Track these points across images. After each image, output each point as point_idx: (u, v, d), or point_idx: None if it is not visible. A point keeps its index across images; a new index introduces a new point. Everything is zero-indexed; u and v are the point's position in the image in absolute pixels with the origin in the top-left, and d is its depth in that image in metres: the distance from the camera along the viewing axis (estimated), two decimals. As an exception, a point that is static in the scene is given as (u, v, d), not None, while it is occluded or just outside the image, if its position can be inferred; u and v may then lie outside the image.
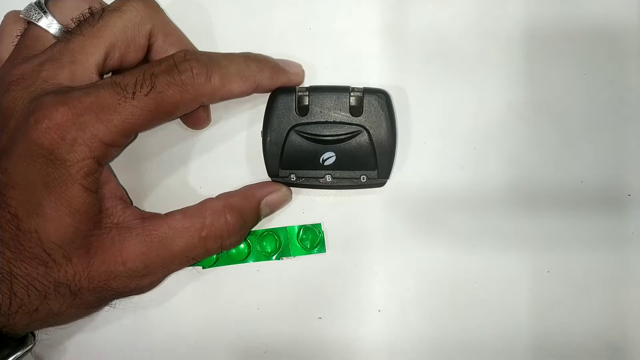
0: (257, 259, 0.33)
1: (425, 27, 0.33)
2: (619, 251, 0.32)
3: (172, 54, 0.28)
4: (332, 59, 0.33)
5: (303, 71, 0.32)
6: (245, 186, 0.31)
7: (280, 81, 0.31)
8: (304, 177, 0.31)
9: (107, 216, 0.27)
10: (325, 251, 0.33)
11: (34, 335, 0.28)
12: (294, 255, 0.33)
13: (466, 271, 0.33)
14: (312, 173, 0.31)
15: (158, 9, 0.30)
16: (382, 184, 0.32)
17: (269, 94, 0.31)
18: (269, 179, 0.32)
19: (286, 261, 0.33)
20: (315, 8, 0.33)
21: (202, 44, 0.32)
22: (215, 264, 0.32)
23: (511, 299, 0.32)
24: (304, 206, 0.33)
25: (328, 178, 0.31)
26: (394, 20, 0.33)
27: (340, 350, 0.33)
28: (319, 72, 0.33)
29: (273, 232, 0.33)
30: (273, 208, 0.32)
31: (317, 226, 0.33)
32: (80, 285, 0.27)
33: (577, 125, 0.33)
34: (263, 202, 0.31)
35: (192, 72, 0.27)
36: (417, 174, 0.33)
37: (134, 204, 0.31)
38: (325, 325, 0.33)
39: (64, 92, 0.26)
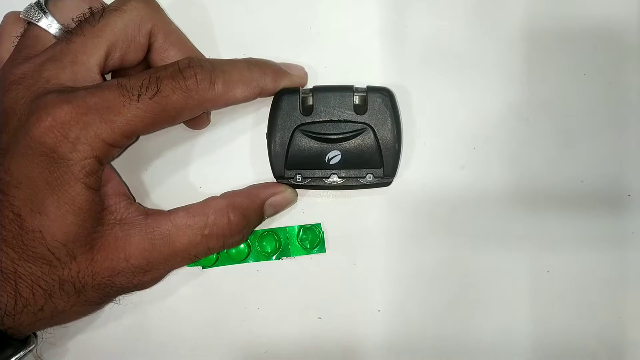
0: (257, 259, 0.33)
1: (425, 27, 0.33)
2: (619, 251, 0.32)
3: (177, 61, 0.28)
4: (332, 58, 0.33)
5: (306, 73, 0.32)
6: (249, 186, 0.31)
7: (284, 84, 0.31)
8: (309, 178, 0.31)
9: (110, 213, 0.28)
10: (325, 251, 0.33)
11: (35, 335, 0.28)
12: (294, 255, 0.33)
13: (466, 271, 0.33)
14: (318, 173, 0.31)
15: (158, 9, 0.30)
16: (388, 183, 0.31)
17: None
18: (274, 179, 0.31)
19: (286, 261, 0.33)
20: (315, 8, 0.33)
21: (202, 44, 0.32)
22: (215, 264, 0.32)
23: (511, 299, 0.32)
24: (303, 206, 0.33)
25: (334, 177, 0.31)
26: (394, 20, 0.33)
27: (340, 350, 0.33)
28: (319, 72, 0.33)
29: (273, 232, 0.33)
30: (277, 209, 0.32)
31: (317, 226, 0.33)
32: (85, 283, 0.27)
33: (577, 125, 0.33)
34: (267, 202, 0.31)
35: (196, 79, 0.27)
36: (417, 174, 0.33)
37: (136, 201, 0.31)
38: (325, 325, 0.33)
39: (68, 92, 0.26)
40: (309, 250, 0.33)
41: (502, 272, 0.33)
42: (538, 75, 0.33)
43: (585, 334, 0.32)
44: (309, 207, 0.33)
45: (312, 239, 0.32)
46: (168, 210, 0.29)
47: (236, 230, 0.29)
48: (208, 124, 0.33)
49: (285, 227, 0.33)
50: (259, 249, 0.33)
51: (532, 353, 0.32)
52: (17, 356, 0.26)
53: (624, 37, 0.33)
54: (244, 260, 0.33)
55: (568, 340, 0.32)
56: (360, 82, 0.32)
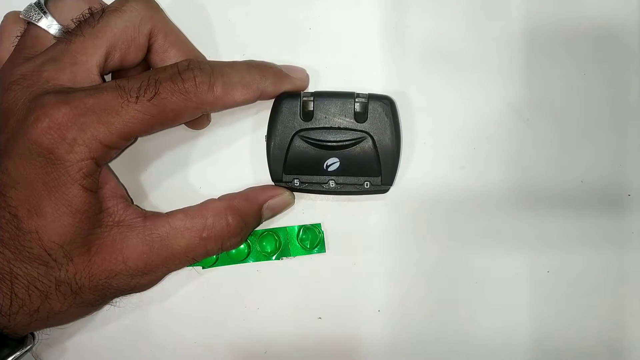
0: (257, 259, 0.33)
1: (425, 27, 0.33)
2: (619, 251, 0.32)
3: (176, 63, 0.28)
4: (332, 58, 0.33)
5: (307, 76, 0.32)
6: (248, 188, 0.31)
7: (284, 87, 0.31)
8: (307, 183, 0.31)
9: (109, 215, 0.28)
10: (325, 251, 0.33)
11: (33, 336, 0.28)
12: (294, 255, 0.33)
13: (466, 271, 0.33)
14: (316, 178, 0.31)
15: (158, 9, 0.30)
16: (385, 191, 0.32)
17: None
18: (272, 183, 0.31)
19: (286, 261, 0.33)
20: (315, 8, 0.33)
21: (202, 44, 0.32)
22: (215, 264, 0.32)
23: (511, 299, 0.32)
24: (303, 206, 0.33)
25: (332, 184, 0.31)
26: (394, 20, 0.33)
27: (340, 350, 0.33)
28: (319, 72, 0.33)
29: (273, 232, 0.33)
30: (275, 212, 0.32)
31: (317, 226, 0.33)
32: (82, 284, 0.27)
33: (577, 125, 0.33)
34: (265, 205, 0.31)
35: (195, 81, 0.27)
36: (417, 174, 0.33)
37: (134, 203, 0.31)
38: (325, 325, 0.33)
39: (66, 92, 0.26)
40: (309, 250, 0.33)
41: (502, 272, 0.32)
42: (538, 75, 0.33)
43: (585, 334, 0.32)
44: (309, 207, 0.33)
45: (312, 239, 0.32)
46: (166, 213, 0.29)
47: (234, 232, 0.29)
48: (208, 123, 0.33)
49: (285, 227, 0.33)
50: (259, 249, 0.33)
51: (532, 353, 0.32)
52: (14, 356, 0.26)
53: (624, 37, 0.33)
54: (244, 260, 0.33)
55: (568, 340, 0.32)
56: (361, 81, 0.32)
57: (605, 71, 0.33)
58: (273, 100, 0.31)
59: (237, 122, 0.33)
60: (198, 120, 0.32)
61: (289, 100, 0.31)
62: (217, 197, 0.30)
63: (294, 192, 0.32)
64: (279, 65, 0.31)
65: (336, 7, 0.33)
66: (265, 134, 0.31)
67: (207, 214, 0.29)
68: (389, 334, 0.33)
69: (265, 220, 0.31)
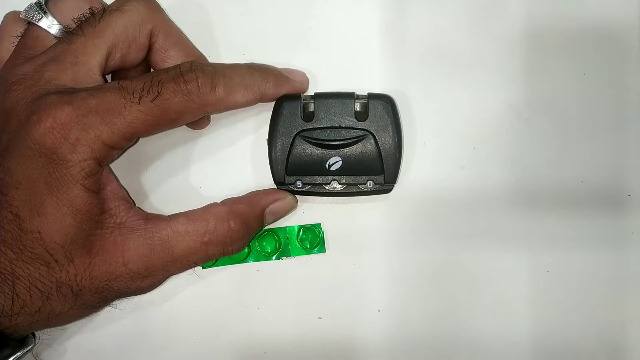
0: (257, 259, 0.33)
1: (425, 27, 0.33)
2: (619, 251, 0.32)
3: (179, 64, 0.28)
4: (331, 58, 0.33)
5: (307, 79, 0.32)
6: (250, 192, 0.31)
7: (285, 90, 0.31)
8: (310, 184, 0.31)
9: (110, 216, 0.27)
10: (325, 251, 0.33)
11: (34, 336, 0.28)
12: (294, 255, 0.33)
13: (466, 271, 0.33)
14: (319, 179, 0.31)
15: (159, 9, 0.30)
16: (388, 190, 0.31)
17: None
18: (273, 183, 0.31)
19: (286, 261, 0.33)
20: (315, 8, 0.33)
21: (202, 44, 0.32)
22: (215, 264, 0.32)
23: (511, 299, 0.32)
24: (304, 206, 0.33)
25: (334, 183, 0.31)
26: (394, 20, 0.33)
27: (340, 350, 0.33)
28: (319, 73, 0.33)
29: (273, 232, 0.33)
30: (277, 216, 0.32)
31: (317, 226, 0.33)
32: (82, 286, 0.27)
33: (577, 125, 0.33)
34: (268, 209, 0.31)
35: (197, 82, 0.27)
36: (417, 174, 0.33)
37: (136, 204, 0.31)
38: (325, 325, 0.33)
39: (69, 93, 0.26)
40: (309, 250, 0.33)
41: (502, 272, 0.33)
42: (538, 75, 0.33)
43: (585, 334, 0.32)
44: (309, 207, 0.33)
45: (312, 239, 0.32)
46: (168, 216, 0.29)
47: (236, 237, 0.29)
48: (208, 124, 0.33)
49: (285, 227, 0.33)
50: (259, 249, 0.33)
51: (532, 353, 0.32)
52: (15, 356, 0.26)
53: (624, 37, 0.33)
54: (244, 260, 0.33)
55: (568, 340, 0.32)
56: (361, 81, 0.32)
57: (605, 71, 0.33)
58: (273, 102, 0.31)
59: (238, 122, 0.33)
60: (198, 121, 0.32)
61: (289, 102, 0.31)
62: (219, 201, 0.30)
63: (297, 195, 0.32)
64: (279, 69, 0.31)
65: (336, 7, 0.33)
66: (267, 137, 0.31)
67: (209, 218, 0.29)
68: (389, 334, 0.33)
69: (267, 225, 0.31)
